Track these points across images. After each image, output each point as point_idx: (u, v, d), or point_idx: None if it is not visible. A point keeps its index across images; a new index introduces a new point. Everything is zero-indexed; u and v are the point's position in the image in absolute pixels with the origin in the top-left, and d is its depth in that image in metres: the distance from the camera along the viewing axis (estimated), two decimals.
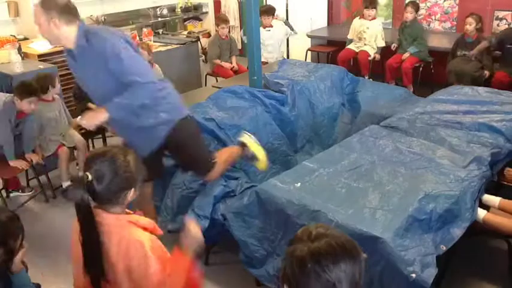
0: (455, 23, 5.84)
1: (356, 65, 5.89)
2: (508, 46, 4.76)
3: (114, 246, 1.62)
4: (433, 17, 6.00)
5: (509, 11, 5.43)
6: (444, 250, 2.35)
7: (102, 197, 1.62)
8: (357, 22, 5.79)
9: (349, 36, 5.87)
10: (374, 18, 5.68)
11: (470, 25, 4.91)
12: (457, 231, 2.46)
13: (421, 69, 5.45)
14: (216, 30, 5.93)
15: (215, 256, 3.13)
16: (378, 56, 5.67)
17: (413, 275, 2.13)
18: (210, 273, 3.01)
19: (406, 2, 5.67)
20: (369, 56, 5.65)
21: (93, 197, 1.61)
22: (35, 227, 3.63)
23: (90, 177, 1.58)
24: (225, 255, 3.15)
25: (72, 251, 1.75)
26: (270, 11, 5.67)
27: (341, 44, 6.37)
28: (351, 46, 5.81)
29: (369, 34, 5.66)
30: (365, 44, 5.72)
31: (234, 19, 7.72)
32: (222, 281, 2.94)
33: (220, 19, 5.89)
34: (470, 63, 4.93)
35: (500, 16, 5.53)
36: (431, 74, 5.41)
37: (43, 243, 3.40)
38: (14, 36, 5.75)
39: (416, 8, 5.47)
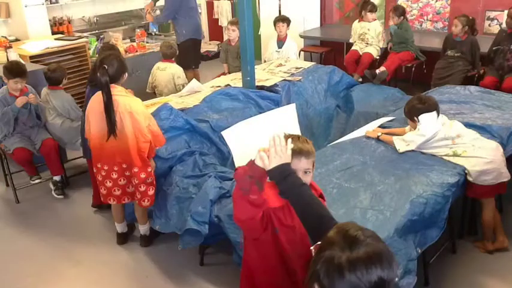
0: (447, 23, 5.88)
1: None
2: (495, 48, 4.79)
3: (121, 103, 2.85)
4: (425, 17, 6.03)
5: (500, 11, 5.47)
6: (419, 253, 2.37)
7: (113, 77, 2.86)
8: (356, 25, 5.79)
9: (352, 40, 5.84)
10: (374, 19, 5.71)
11: (456, 27, 4.94)
12: (432, 237, 2.50)
13: (413, 69, 5.48)
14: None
15: (209, 257, 3.13)
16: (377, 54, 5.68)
17: (395, 279, 2.15)
18: (205, 274, 3.02)
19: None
20: (372, 58, 5.64)
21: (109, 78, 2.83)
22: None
23: (106, 67, 2.84)
24: (219, 256, 3.15)
25: (91, 117, 2.96)
26: (287, 20, 5.38)
27: (334, 45, 6.40)
28: (355, 47, 5.79)
29: (371, 35, 5.65)
30: (367, 44, 5.69)
31: (226, 20, 7.71)
32: (217, 281, 2.94)
33: (230, 22, 5.47)
34: (459, 63, 4.96)
35: (491, 16, 5.56)
36: (423, 73, 5.43)
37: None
38: (5, 37, 5.71)
39: (399, 14, 5.43)
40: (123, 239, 3.37)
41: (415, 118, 2.96)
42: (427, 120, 2.92)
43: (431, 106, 2.96)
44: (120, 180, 3.01)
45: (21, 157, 3.89)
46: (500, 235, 3.05)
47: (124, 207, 3.31)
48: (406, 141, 3.02)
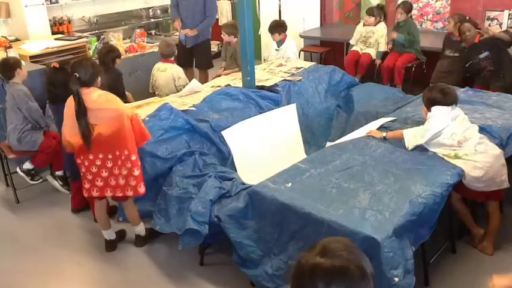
0: (447, 23, 5.87)
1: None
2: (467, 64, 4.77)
3: (93, 100, 2.89)
4: (425, 17, 6.03)
5: (500, 11, 5.47)
6: (413, 251, 2.38)
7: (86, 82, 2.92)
8: (361, 28, 5.79)
9: (352, 42, 5.87)
10: (379, 21, 5.69)
11: (449, 24, 4.96)
12: (423, 236, 2.50)
13: (413, 69, 5.49)
14: None
15: (209, 257, 3.13)
16: (378, 62, 5.67)
17: (396, 279, 2.15)
18: (205, 274, 3.02)
19: (398, 2, 5.70)
20: (371, 58, 5.64)
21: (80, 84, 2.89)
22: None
23: (77, 75, 2.88)
24: (218, 256, 3.15)
25: (67, 119, 3.00)
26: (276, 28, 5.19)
27: (334, 45, 6.40)
28: (356, 48, 5.81)
29: (375, 38, 5.66)
30: (368, 46, 5.72)
31: (226, 20, 7.71)
32: (217, 281, 2.95)
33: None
34: (458, 64, 4.96)
35: (491, 16, 5.56)
36: (423, 73, 5.44)
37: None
38: (5, 37, 5.72)
39: (407, 10, 5.46)
40: (111, 246, 3.30)
41: (429, 107, 2.98)
42: (438, 114, 2.94)
43: (449, 100, 2.97)
44: (102, 172, 2.99)
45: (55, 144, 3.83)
46: (490, 242, 3.04)
47: (109, 212, 3.35)
48: (415, 136, 3.03)
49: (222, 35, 5.29)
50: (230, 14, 7.78)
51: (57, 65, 3.53)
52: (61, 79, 3.42)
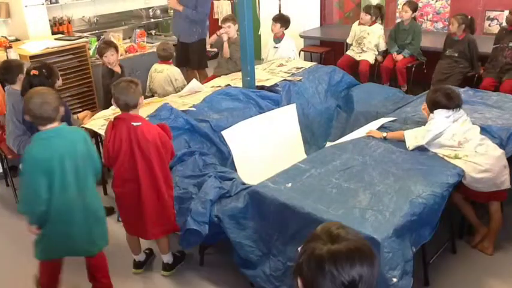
0: (447, 23, 5.87)
1: (355, 71, 5.83)
2: (495, 46, 4.78)
3: None
4: (425, 17, 6.03)
5: (500, 11, 5.47)
6: (414, 252, 2.38)
7: None
8: (356, 27, 5.77)
9: (349, 41, 5.86)
10: (374, 22, 5.66)
11: (453, 25, 4.95)
12: (425, 236, 2.51)
13: (413, 69, 5.48)
14: None
15: (209, 257, 3.13)
16: (380, 58, 5.65)
17: (395, 279, 2.16)
18: (205, 274, 3.02)
19: (403, 1, 5.70)
20: (370, 64, 5.61)
21: None
22: None
23: None
24: (218, 256, 3.15)
25: None
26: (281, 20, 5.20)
27: (334, 45, 6.40)
28: (350, 53, 5.78)
29: (369, 40, 5.63)
30: (363, 50, 5.67)
31: None
32: (217, 281, 2.95)
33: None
34: (459, 65, 4.96)
35: (491, 16, 5.56)
36: (423, 73, 5.44)
37: None
38: (5, 37, 5.71)
39: (413, 8, 5.45)
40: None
41: (432, 110, 2.99)
42: (439, 117, 2.95)
43: (453, 104, 2.97)
44: None
45: None
46: (490, 242, 3.04)
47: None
48: (416, 136, 3.03)
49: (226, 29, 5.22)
50: None
51: (36, 72, 3.33)
52: (45, 83, 3.22)
